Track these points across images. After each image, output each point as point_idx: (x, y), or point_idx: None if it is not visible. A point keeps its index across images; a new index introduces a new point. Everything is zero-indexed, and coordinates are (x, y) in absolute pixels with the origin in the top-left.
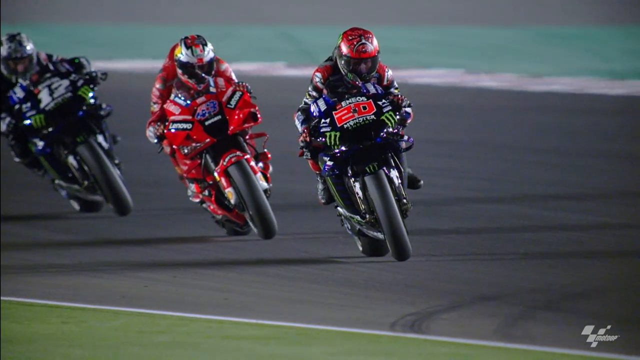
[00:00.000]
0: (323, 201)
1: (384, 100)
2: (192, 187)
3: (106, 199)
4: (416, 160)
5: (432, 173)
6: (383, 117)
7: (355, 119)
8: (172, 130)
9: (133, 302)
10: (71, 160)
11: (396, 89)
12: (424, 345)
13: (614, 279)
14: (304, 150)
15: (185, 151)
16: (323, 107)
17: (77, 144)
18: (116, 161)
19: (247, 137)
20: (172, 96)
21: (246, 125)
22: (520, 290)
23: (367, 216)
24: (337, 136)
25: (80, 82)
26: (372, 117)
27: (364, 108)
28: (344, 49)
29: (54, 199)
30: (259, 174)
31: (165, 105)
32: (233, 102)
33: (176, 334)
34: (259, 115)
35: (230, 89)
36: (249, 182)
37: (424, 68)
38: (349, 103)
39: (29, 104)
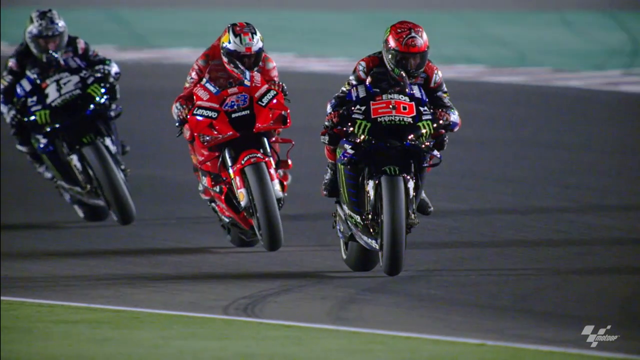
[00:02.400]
0: (325, 193)
1: (426, 108)
2: (205, 180)
3: (108, 205)
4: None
5: None
6: (420, 124)
7: (391, 115)
8: (196, 116)
9: None
10: (75, 161)
11: (445, 92)
12: (257, 328)
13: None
14: (328, 130)
15: (206, 140)
16: (362, 94)
17: (82, 145)
18: (122, 166)
19: (272, 139)
20: (204, 81)
21: (274, 126)
22: (351, 275)
23: (370, 216)
24: (368, 127)
25: (90, 80)
26: (409, 119)
27: (404, 108)
28: (392, 43)
29: (56, 205)
30: (276, 181)
31: (195, 89)
32: (265, 100)
33: (5, 318)
34: (289, 120)
35: (265, 86)
36: (264, 186)
37: None
38: (390, 98)
39: (34, 98)
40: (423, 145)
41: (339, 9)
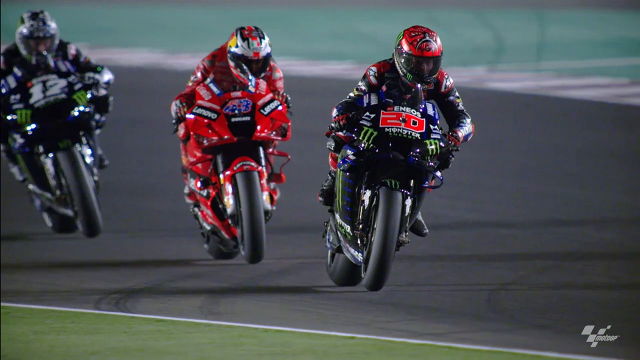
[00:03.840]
0: (321, 199)
1: (436, 127)
2: (192, 182)
3: (76, 215)
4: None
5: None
6: (427, 141)
7: (400, 128)
8: (195, 115)
9: None
10: (48, 165)
11: (458, 98)
12: (129, 323)
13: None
14: (332, 132)
15: (201, 140)
16: (374, 101)
17: (58, 150)
18: (95, 178)
19: (268, 150)
20: (208, 80)
21: (273, 137)
22: (222, 269)
23: (361, 227)
24: (374, 135)
25: (78, 86)
26: (417, 135)
27: (414, 123)
28: (405, 47)
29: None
30: (266, 193)
31: (197, 88)
32: (267, 109)
33: None
34: (289, 133)
35: (270, 95)
36: (253, 196)
37: (127, 48)
38: (402, 111)
39: (18, 96)
40: (427, 164)
41: (207, 4)
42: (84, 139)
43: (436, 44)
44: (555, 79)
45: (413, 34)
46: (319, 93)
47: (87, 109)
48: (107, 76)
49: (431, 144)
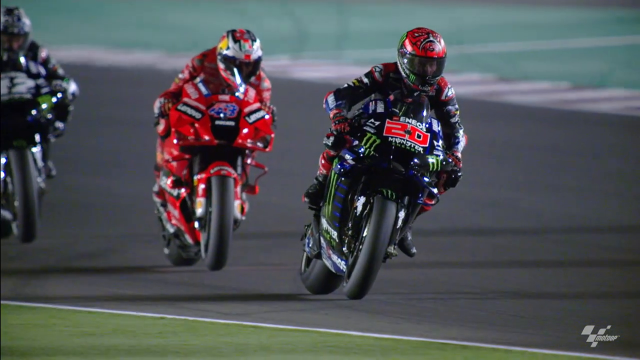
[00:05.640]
0: (307, 199)
1: (439, 144)
2: (165, 180)
3: (14, 217)
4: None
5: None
6: (428, 157)
7: (404, 139)
8: (179, 112)
9: None
10: None
11: (456, 110)
12: None
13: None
14: (333, 136)
15: (181, 138)
16: (380, 109)
17: (11, 148)
18: (42, 184)
19: (246, 159)
20: (197, 80)
21: (254, 146)
22: (35, 251)
23: (350, 232)
24: (377, 143)
25: (45, 90)
26: (420, 149)
27: (418, 136)
28: (409, 47)
29: None
30: (238, 202)
31: (185, 85)
32: (253, 118)
33: None
34: (270, 145)
35: (257, 105)
36: (226, 202)
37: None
38: (408, 122)
39: None
40: (425, 180)
41: None
42: (38, 144)
43: (440, 45)
44: (355, 66)
45: (417, 35)
46: (127, 82)
47: (49, 115)
48: (72, 87)
49: (432, 160)
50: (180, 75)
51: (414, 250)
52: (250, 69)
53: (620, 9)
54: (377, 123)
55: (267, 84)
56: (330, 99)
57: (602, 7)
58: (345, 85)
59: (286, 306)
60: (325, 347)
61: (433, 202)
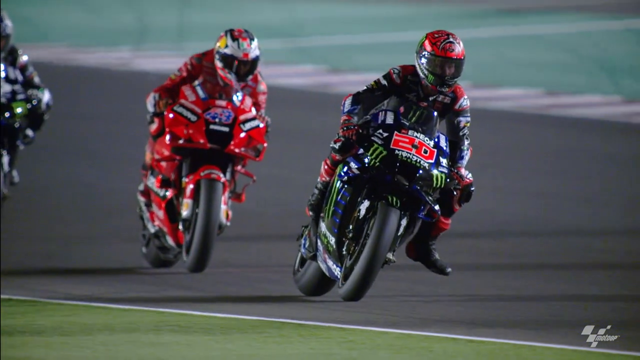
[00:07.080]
0: (312, 214)
1: (445, 161)
2: (152, 180)
3: None
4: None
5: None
6: (433, 173)
7: (410, 153)
8: (175, 113)
9: None
10: None
11: (467, 122)
12: None
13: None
14: (342, 141)
15: (174, 139)
16: (390, 120)
17: None
18: (5, 190)
19: (237, 167)
20: (196, 83)
21: (246, 154)
22: None
23: (351, 235)
24: (383, 155)
25: (20, 96)
26: (425, 164)
27: (425, 152)
28: (428, 47)
29: None
30: (225, 207)
31: (183, 87)
32: (247, 126)
33: None
34: (262, 155)
35: (253, 114)
36: (213, 205)
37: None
38: (416, 136)
39: None
40: (427, 195)
41: None
42: (6, 149)
43: (460, 47)
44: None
45: (437, 36)
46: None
47: (20, 124)
48: (47, 97)
49: (436, 176)
50: (177, 72)
51: (449, 269)
52: (247, 68)
53: (447, 5)
54: (385, 134)
55: (263, 87)
56: (347, 102)
57: (442, 2)
58: (364, 87)
59: (131, 288)
60: (167, 327)
61: (449, 220)
